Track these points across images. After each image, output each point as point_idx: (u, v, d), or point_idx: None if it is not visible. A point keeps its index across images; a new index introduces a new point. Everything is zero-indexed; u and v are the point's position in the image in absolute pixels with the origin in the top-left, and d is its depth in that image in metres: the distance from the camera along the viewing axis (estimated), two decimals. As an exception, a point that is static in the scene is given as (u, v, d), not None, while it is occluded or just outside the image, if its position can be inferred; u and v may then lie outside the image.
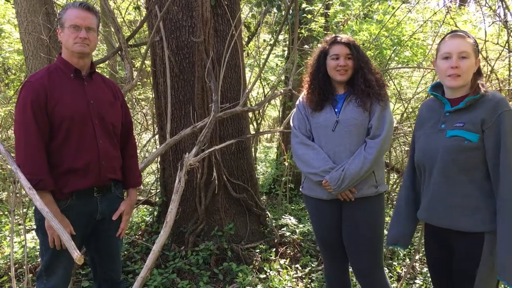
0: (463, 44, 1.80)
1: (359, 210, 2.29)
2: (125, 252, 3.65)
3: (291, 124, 2.48)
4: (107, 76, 8.21)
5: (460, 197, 1.81)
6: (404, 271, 3.32)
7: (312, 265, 3.58)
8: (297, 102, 2.49)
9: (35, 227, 2.07)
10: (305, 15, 5.12)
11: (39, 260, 3.39)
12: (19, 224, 4.42)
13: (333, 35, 2.38)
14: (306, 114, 2.40)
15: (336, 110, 2.31)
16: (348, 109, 2.28)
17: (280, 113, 6.43)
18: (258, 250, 3.70)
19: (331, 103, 2.34)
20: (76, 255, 1.57)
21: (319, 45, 2.47)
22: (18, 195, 3.00)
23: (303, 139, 2.37)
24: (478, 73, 1.86)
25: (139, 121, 7.29)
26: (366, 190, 2.26)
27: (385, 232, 2.28)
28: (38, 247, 2.41)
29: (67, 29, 1.99)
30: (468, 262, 1.79)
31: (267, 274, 3.34)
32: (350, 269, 2.69)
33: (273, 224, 4.02)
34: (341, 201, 2.30)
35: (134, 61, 7.22)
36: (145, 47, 4.06)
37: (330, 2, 5.57)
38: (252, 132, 5.32)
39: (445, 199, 1.86)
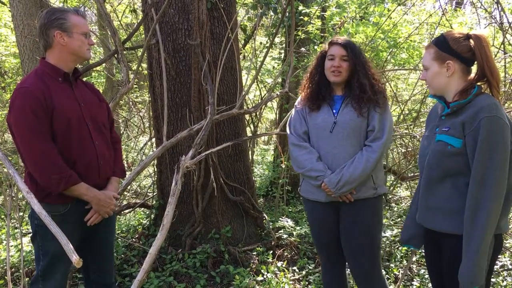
0: (424, 57, 1.87)
1: (356, 212, 2.28)
2: (122, 255, 3.64)
3: (287, 126, 2.48)
4: (103, 79, 8.22)
5: (441, 200, 1.82)
6: (401, 273, 3.32)
7: (309, 267, 3.57)
8: (295, 103, 2.48)
9: (31, 231, 2.06)
10: (301, 17, 5.13)
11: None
12: (16, 228, 4.40)
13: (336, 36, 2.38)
14: (304, 115, 2.39)
15: (334, 111, 2.29)
16: (346, 111, 2.27)
17: (277, 115, 6.43)
18: (255, 253, 3.70)
19: (328, 103, 2.32)
20: (75, 258, 1.58)
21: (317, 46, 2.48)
22: (14, 198, 2.99)
23: (294, 140, 2.37)
24: (465, 75, 1.81)
25: (136, 124, 7.29)
26: (364, 192, 2.26)
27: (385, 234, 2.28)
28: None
29: (78, 35, 2.01)
30: (452, 263, 1.79)
31: (264, 276, 3.34)
32: (348, 272, 2.69)
33: (270, 227, 4.02)
34: (338, 204, 2.30)
35: (130, 64, 7.21)
36: (141, 50, 4.06)
37: (327, 4, 5.58)
38: (249, 134, 5.32)
39: (429, 201, 1.88)
